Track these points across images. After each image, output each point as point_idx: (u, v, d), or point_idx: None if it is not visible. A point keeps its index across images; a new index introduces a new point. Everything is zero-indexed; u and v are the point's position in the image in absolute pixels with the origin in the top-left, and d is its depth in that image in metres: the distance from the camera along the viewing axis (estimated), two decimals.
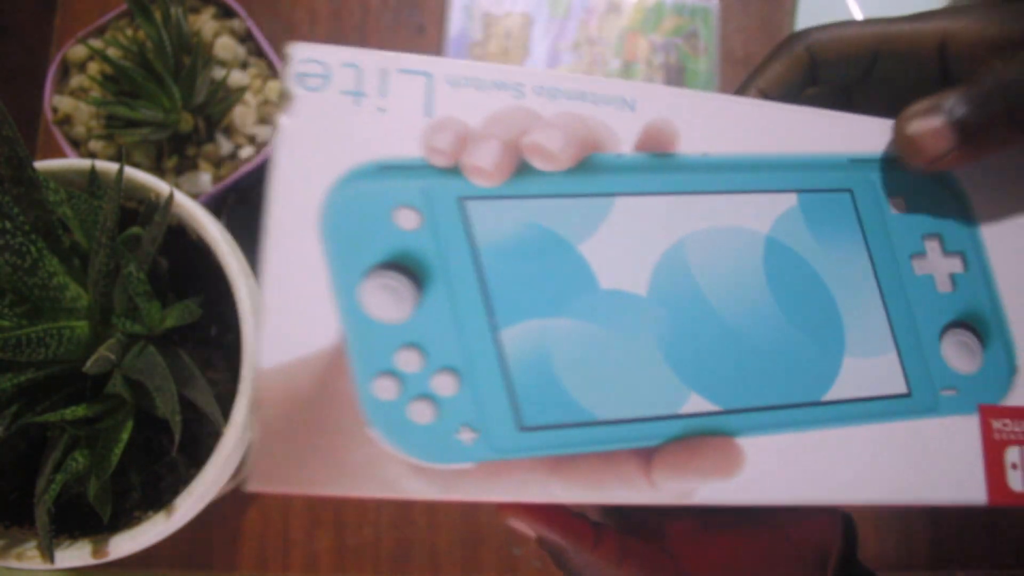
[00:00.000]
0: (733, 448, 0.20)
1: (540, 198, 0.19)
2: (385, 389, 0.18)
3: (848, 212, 0.22)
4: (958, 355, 0.22)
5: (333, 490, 0.18)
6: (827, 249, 0.21)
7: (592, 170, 0.20)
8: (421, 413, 0.18)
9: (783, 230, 0.21)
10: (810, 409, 0.21)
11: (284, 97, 0.19)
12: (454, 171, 0.19)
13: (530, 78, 0.20)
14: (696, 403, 0.20)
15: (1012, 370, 0.22)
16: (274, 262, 0.18)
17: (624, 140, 0.20)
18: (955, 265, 0.22)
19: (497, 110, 0.20)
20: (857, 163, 0.22)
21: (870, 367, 0.21)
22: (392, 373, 0.18)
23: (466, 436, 0.18)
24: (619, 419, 0.19)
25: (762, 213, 0.21)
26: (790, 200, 0.21)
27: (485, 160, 0.19)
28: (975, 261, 0.22)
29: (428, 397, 0.18)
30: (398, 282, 0.18)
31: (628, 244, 0.20)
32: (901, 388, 0.21)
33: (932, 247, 0.22)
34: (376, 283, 0.18)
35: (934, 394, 0.22)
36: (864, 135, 0.22)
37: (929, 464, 0.21)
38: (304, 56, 0.19)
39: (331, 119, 0.19)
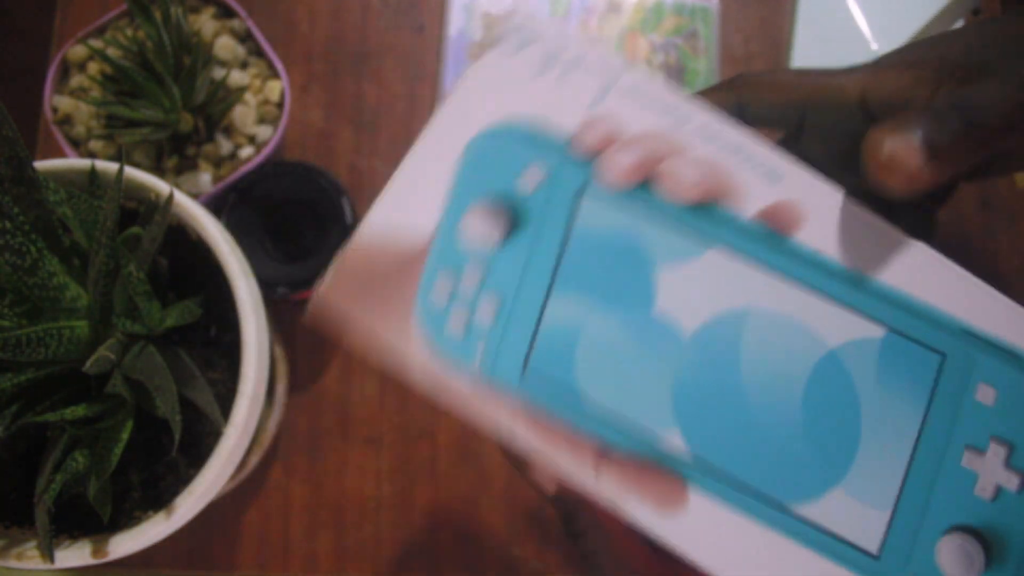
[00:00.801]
0: (680, 491, 0.21)
1: (646, 216, 0.21)
2: (441, 287, 0.21)
3: (928, 373, 0.21)
4: (952, 557, 0.20)
5: (361, 336, 0.21)
6: (883, 392, 0.21)
7: (705, 215, 0.21)
8: (457, 317, 0.21)
9: (850, 353, 0.21)
10: (773, 510, 0.21)
11: (496, 40, 0.22)
12: (590, 161, 0.21)
13: (698, 115, 0.22)
14: (673, 438, 0.21)
15: None
16: (419, 156, 0.21)
17: (752, 205, 0.21)
18: (1012, 481, 0.21)
19: (653, 130, 0.22)
20: (968, 335, 0.21)
21: (855, 510, 0.21)
22: (453, 278, 0.21)
23: (479, 350, 0.21)
24: (603, 410, 0.21)
25: (840, 328, 0.21)
26: (876, 331, 0.21)
27: (619, 166, 0.21)
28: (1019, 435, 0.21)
29: (468, 308, 0.21)
30: (498, 218, 0.21)
31: (699, 289, 0.21)
32: (872, 547, 0.21)
33: (996, 451, 0.21)
34: (482, 211, 0.21)
35: (902, 573, 0.20)
36: (1000, 319, 0.21)
37: None
38: (524, 19, 0.22)
39: (518, 75, 0.22)
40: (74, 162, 0.32)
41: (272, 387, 0.44)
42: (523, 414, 0.21)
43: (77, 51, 0.44)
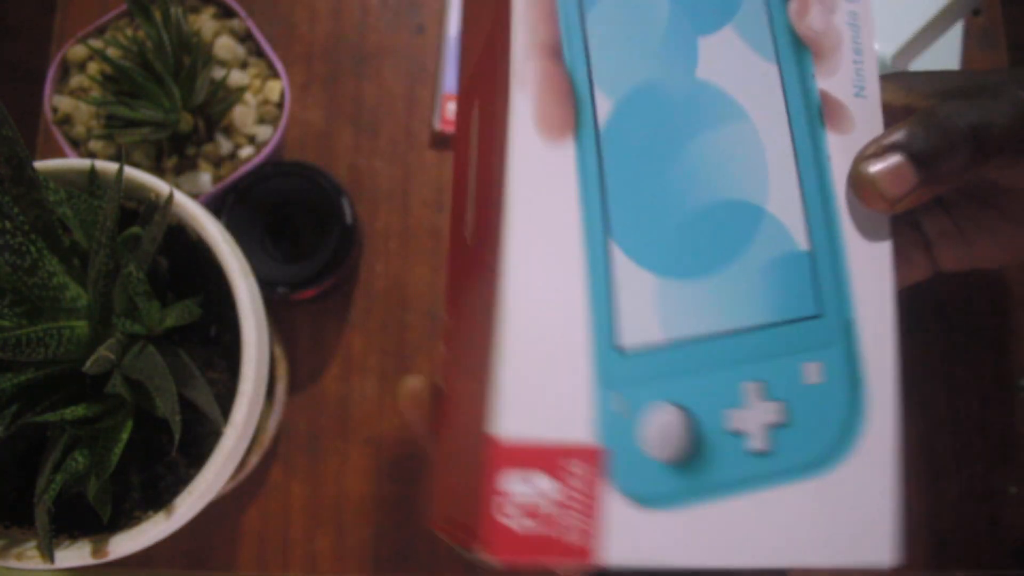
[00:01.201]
0: (568, 127, 0.21)
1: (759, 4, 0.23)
2: None
3: (794, 311, 0.21)
4: (663, 423, 0.20)
5: None
6: (759, 276, 0.21)
7: (797, 49, 0.22)
8: None
9: (770, 228, 0.21)
10: (601, 236, 0.21)
11: None
12: None
13: (860, 7, 0.23)
14: (604, 104, 0.21)
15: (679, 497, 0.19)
16: None
17: (827, 84, 0.22)
18: (758, 440, 0.20)
19: None
20: (848, 328, 0.21)
21: (652, 307, 0.20)
22: None
23: None
24: (586, 36, 0.21)
25: (785, 211, 0.21)
26: (803, 244, 0.21)
27: None
28: (798, 422, 0.20)
29: None
30: None
31: (737, 68, 0.22)
32: (625, 342, 0.20)
33: (771, 409, 0.20)
34: None
35: (622, 384, 0.20)
36: (880, 360, 0.22)
37: None
38: None
39: None
40: (74, 162, 0.32)
41: (272, 387, 0.44)
42: None
43: (77, 51, 0.44)
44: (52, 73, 0.44)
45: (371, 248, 0.50)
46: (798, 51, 0.22)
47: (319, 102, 0.52)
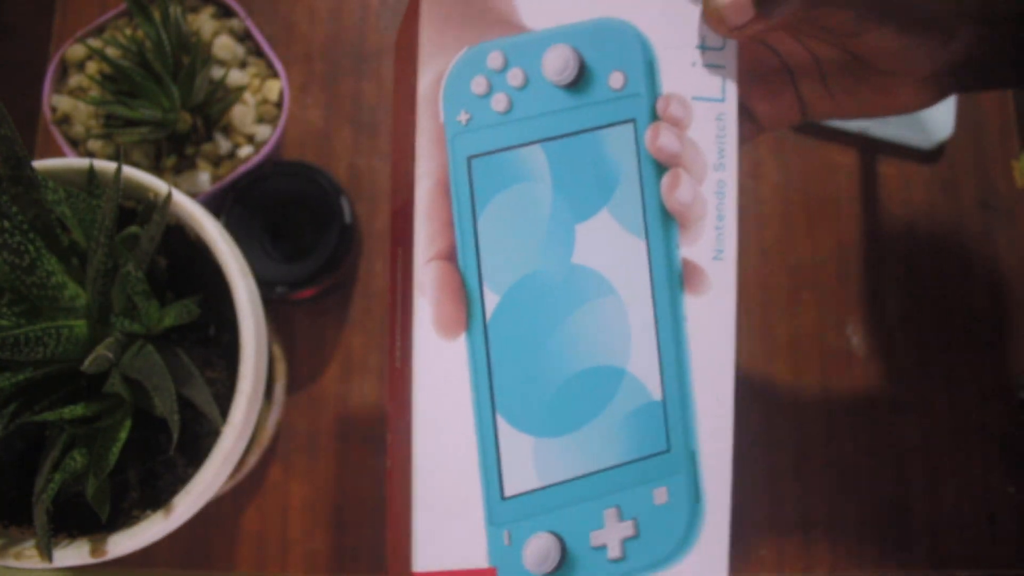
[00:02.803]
0: (458, 328, 0.25)
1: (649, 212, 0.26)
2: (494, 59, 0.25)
3: (648, 447, 0.26)
4: (539, 546, 0.25)
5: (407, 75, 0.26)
6: (618, 422, 0.26)
7: (666, 227, 0.26)
8: (480, 83, 0.25)
9: (631, 385, 0.26)
10: (488, 412, 0.25)
11: None
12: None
13: (728, 173, 0.27)
14: (491, 299, 0.25)
15: None
16: None
17: (689, 249, 0.26)
18: (613, 550, 0.26)
19: (702, 155, 0.26)
20: (691, 458, 0.26)
21: (529, 455, 0.25)
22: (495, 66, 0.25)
23: (468, 119, 0.25)
24: (480, 236, 0.25)
25: (645, 370, 0.26)
26: (656, 395, 0.26)
27: (666, 108, 0.26)
28: (647, 533, 0.26)
29: (497, 83, 0.25)
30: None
31: (609, 252, 0.26)
32: (510, 491, 0.25)
33: (624, 527, 0.26)
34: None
35: (507, 524, 0.26)
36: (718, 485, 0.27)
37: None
38: None
39: None
40: (73, 161, 0.32)
41: (271, 386, 0.44)
42: (434, 184, 0.24)
43: (76, 50, 0.44)
44: (51, 73, 0.44)
45: (371, 248, 0.50)
46: (666, 224, 0.26)
47: (319, 102, 0.52)
